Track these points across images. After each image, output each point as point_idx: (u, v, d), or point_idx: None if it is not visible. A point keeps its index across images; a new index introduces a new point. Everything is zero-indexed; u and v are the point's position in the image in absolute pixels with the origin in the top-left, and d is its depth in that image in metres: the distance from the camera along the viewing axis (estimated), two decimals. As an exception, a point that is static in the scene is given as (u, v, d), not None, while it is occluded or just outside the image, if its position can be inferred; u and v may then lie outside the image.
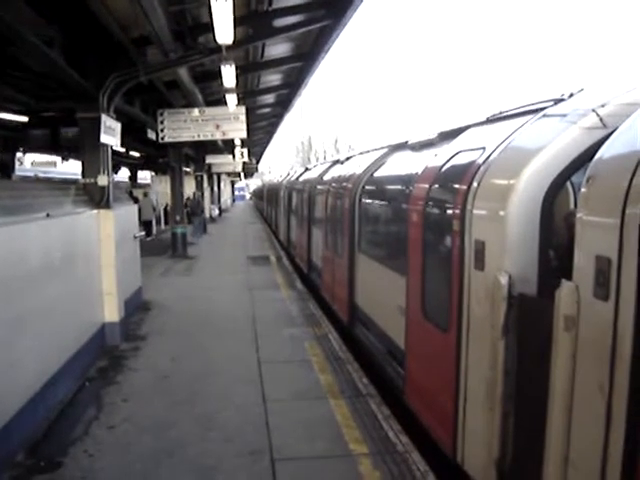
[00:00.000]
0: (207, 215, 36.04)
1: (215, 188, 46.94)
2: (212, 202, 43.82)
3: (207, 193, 37.96)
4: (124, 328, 10.78)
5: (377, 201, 10.14)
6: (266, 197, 45.94)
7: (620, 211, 3.40)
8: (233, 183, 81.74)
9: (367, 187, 10.41)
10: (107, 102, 10.14)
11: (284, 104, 23.75)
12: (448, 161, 6.44)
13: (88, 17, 8.60)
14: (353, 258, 10.70)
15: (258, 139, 39.74)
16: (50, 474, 5.89)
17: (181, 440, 6.60)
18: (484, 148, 5.63)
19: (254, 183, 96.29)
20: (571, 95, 5.27)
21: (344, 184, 11.70)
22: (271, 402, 7.65)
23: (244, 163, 38.72)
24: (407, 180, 7.90)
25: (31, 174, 35.26)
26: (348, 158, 14.30)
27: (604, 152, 3.84)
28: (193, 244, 25.04)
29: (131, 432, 6.86)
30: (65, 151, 22.29)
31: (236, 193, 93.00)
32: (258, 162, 66.30)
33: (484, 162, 5.41)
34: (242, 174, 64.53)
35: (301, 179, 21.39)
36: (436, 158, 6.93)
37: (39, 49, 7.95)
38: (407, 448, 6.33)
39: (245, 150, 32.88)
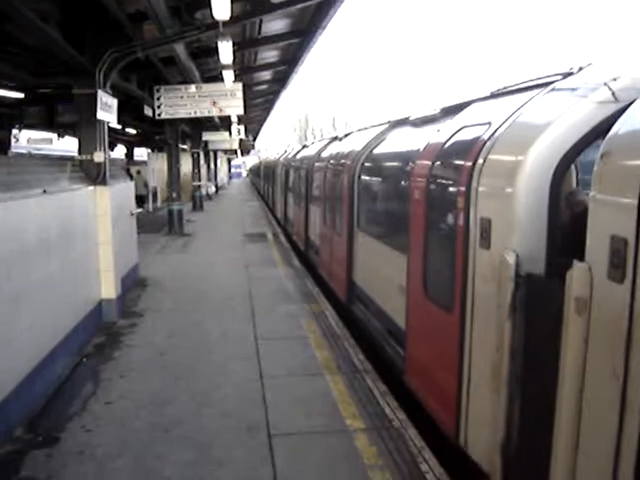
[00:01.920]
0: (204, 192, 35.95)
1: (212, 165, 46.84)
2: (209, 179, 43.76)
3: (204, 170, 37.82)
4: (121, 305, 10.81)
5: (377, 178, 9.93)
6: (263, 174, 45.40)
7: (637, 188, 3.25)
8: (229, 160, 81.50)
9: (367, 164, 10.12)
10: (103, 78, 10.07)
11: (281, 81, 23.61)
12: (452, 137, 6.20)
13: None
14: (352, 236, 10.44)
15: (255, 116, 39.58)
16: (48, 449, 5.93)
17: (178, 416, 6.65)
18: (490, 123, 5.43)
19: (251, 160, 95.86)
20: (580, 69, 5.08)
21: (343, 161, 11.40)
22: (268, 378, 7.69)
23: (241, 140, 38.62)
24: (408, 156, 7.57)
25: (26, 151, 35.05)
26: (347, 135, 13.91)
27: (619, 127, 3.68)
28: (190, 221, 24.99)
29: (128, 408, 6.90)
30: (61, 128, 22.17)
31: (232, 170, 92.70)
32: (255, 139, 66.03)
33: (490, 138, 5.20)
34: (239, 151, 64.31)
35: (299, 156, 21.01)
36: (439, 134, 6.69)
37: (35, 24, 7.90)
38: (403, 424, 6.38)
39: (242, 127, 32.72)
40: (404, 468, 5.51)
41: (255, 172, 69.74)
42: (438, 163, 6.31)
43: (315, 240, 15.04)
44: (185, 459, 5.72)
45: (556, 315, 3.92)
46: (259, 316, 10.59)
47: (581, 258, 3.74)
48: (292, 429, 6.30)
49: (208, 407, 6.89)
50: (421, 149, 6.94)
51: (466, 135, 5.92)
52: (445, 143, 6.28)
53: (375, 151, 10.04)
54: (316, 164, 15.26)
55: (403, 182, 7.63)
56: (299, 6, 12.01)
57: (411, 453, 5.77)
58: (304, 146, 23.11)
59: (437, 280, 6.21)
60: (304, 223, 17.03)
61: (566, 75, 5.16)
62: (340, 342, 9.07)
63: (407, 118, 9.05)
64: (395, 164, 9.10)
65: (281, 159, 28.46)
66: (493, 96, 6.23)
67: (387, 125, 10.32)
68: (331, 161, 12.85)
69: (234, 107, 16.25)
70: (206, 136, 31.23)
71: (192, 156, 31.30)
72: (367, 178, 10.08)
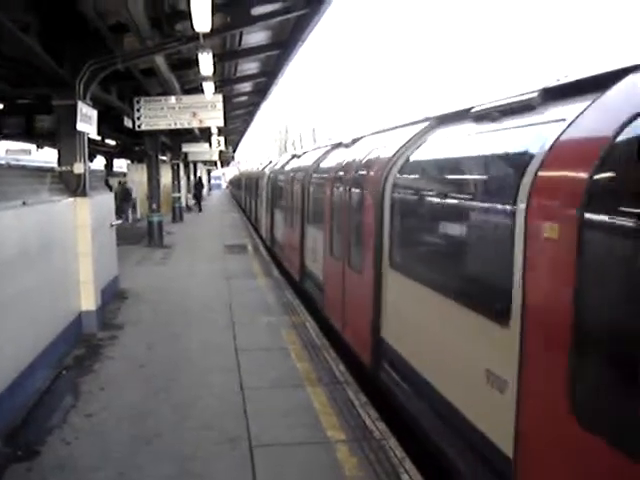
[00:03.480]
0: (183, 204, 36.02)
1: (191, 176, 46.81)
2: (188, 191, 43.79)
3: (183, 182, 37.84)
4: (101, 317, 10.75)
5: (429, 196, 6.65)
6: (244, 187, 44.05)
7: None
8: (209, 172, 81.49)
9: (404, 176, 7.27)
10: (83, 89, 10.07)
11: (261, 93, 23.72)
12: (627, 126, 3.62)
13: (65, 3, 8.54)
14: (380, 275, 7.58)
15: (235, 127, 39.68)
16: (28, 462, 5.87)
17: (159, 428, 6.62)
18: None
19: (230, 172, 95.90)
20: None
21: (363, 173, 8.63)
22: (249, 390, 7.68)
23: (220, 152, 38.64)
24: (501, 164, 5.34)
25: (5, 162, 34.96)
26: (355, 140, 10.94)
27: None
28: (170, 233, 24.92)
29: (109, 420, 6.86)
30: (40, 139, 22.11)
31: (212, 182, 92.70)
32: (235, 151, 66.14)
33: None
34: (218, 163, 64.37)
35: (288, 167, 18.10)
36: (585, 124, 4.12)
37: (15, 35, 7.89)
38: (384, 435, 6.39)
39: (222, 138, 32.78)
40: (385, 479, 5.52)
41: (235, 184, 68.50)
42: (609, 175, 3.73)
43: (316, 272, 12.01)
44: (166, 472, 5.69)
45: None
46: (239, 327, 10.57)
47: None
48: (273, 441, 6.29)
49: (189, 419, 6.86)
50: (540, 151, 4.37)
51: None
52: (616, 138, 3.69)
53: (415, 158, 7.21)
54: (314, 176, 12.85)
55: (495, 205, 5.08)
56: (279, 19, 12.10)
57: (392, 464, 5.78)
58: (294, 156, 19.62)
59: (612, 395, 3.61)
60: (299, 249, 13.97)
61: None
62: (321, 354, 9.07)
63: (464, 111, 6.25)
64: (468, 176, 6.03)
65: (266, 170, 25.30)
66: None
67: (425, 124, 7.44)
68: (339, 173, 10.08)
69: (214, 119, 16.33)
70: (186, 147, 31.29)
71: (172, 167, 31.31)
72: (408, 196, 7.23)
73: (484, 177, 5.62)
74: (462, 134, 6.25)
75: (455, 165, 6.42)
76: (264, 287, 14.20)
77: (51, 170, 10.55)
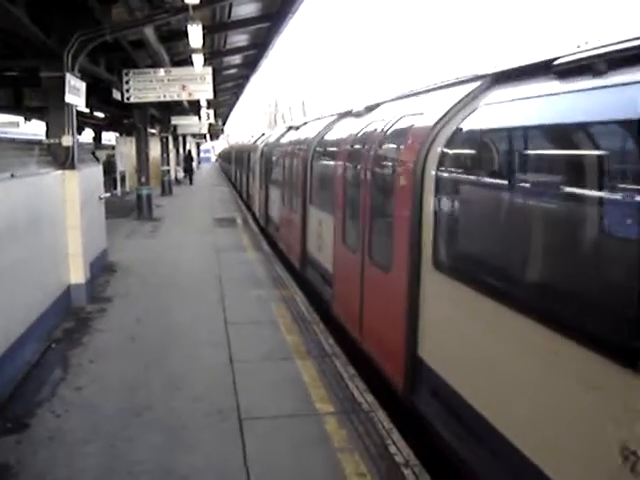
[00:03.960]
0: (173, 177, 35.94)
1: (180, 150, 46.62)
2: (177, 164, 43.63)
3: (172, 155, 37.70)
4: (90, 290, 10.74)
5: (509, 179, 4.73)
6: (235, 160, 42.43)
7: None
8: (199, 145, 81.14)
9: (455, 151, 5.60)
10: (72, 61, 9.98)
11: (251, 65, 23.60)
12: None
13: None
14: (418, 277, 5.81)
15: (224, 100, 39.45)
16: (18, 435, 5.90)
17: (149, 400, 6.64)
18: None
19: (220, 145, 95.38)
20: None
21: (391, 146, 7.11)
22: (238, 363, 7.71)
23: (210, 125, 38.49)
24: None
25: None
26: (371, 108, 9.06)
27: None
28: (159, 206, 24.85)
29: (98, 393, 6.88)
30: (28, 112, 21.93)
31: (201, 155, 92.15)
32: (224, 124, 65.83)
33: None
34: (208, 136, 64.09)
35: (285, 140, 16.25)
36: None
37: (2, 5, 7.80)
38: (372, 407, 6.44)
39: (211, 111, 32.63)
40: (373, 450, 5.57)
41: (225, 157, 67.46)
42: None
43: (323, 262, 10.21)
44: (156, 443, 5.73)
45: None
46: (229, 300, 10.59)
47: None
48: (263, 413, 6.33)
49: (179, 391, 6.89)
50: None
51: None
52: None
53: (471, 127, 5.40)
54: (319, 150, 11.25)
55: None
56: (269, -10, 12.03)
57: (380, 435, 5.83)
58: (291, 127, 17.60)
59: None
60: (300, 233, 12.19)
61: None
62: (310, 327, 9.10)
63: (540, 65, 4.65)
64: (571, 152, 4.22)
65: (259, 143, 22.94)
66: None
67: (475, 84, 5.70)
68: (355, 146, 8.46)
69: (203, 91, 16.25)
70: (175, 120, 31.15)
71: (161, 140, 31.17)
72: (467, 177, 5.45)
73: (606, 154, 3.77)
74: (542, 94, 4.48)
75: (546, 137, 4.56)
76: (254, 260, 14.22)
77: (39, 143, 10.49)
